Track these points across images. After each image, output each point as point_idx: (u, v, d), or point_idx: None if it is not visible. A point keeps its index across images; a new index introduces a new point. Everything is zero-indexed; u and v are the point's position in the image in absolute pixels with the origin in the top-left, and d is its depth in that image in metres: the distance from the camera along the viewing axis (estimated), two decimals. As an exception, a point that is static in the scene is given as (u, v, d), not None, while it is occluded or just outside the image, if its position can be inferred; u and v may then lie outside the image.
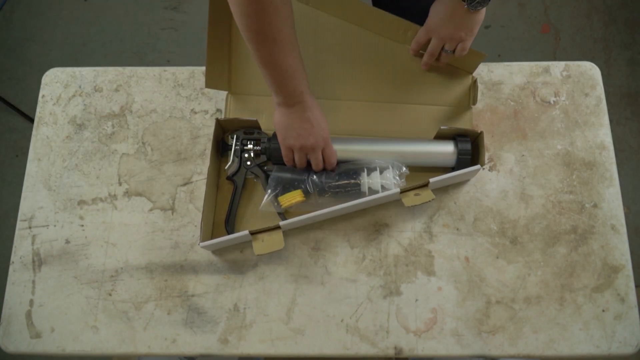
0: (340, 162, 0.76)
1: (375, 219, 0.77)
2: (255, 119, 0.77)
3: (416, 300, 0.73)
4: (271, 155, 0.76)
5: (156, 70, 0.87)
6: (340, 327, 0.73)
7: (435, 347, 0.71)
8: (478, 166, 0.73)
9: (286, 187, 0.74)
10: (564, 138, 0.80)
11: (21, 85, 1.78)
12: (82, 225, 0.79)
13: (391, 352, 0.71)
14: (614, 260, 0.74)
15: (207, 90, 0.85)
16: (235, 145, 0.77)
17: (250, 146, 0.77)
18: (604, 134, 0.81)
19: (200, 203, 0.79)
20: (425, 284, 0.74)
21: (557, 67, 0.85)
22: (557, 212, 0.77)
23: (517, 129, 0.81)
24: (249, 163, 0.78)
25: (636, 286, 0.74)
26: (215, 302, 0.74)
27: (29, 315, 0.75)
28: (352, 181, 0.74)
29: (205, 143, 0.82)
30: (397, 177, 0.74)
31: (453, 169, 0.76)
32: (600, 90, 0.83)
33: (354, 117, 0.81)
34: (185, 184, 0.80)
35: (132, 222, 0.79)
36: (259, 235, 0.71)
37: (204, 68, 0.86)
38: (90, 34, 1.83)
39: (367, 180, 0.73)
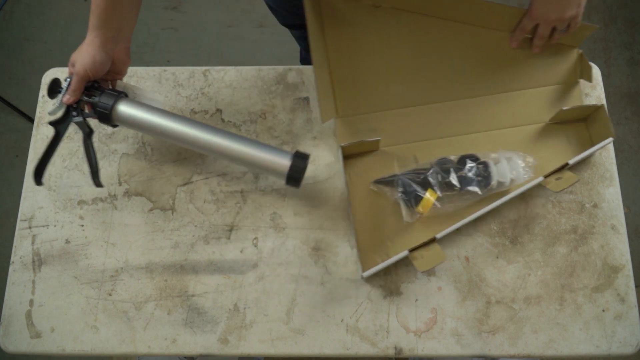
0: (443, 159, 0.74)
1: (375, 219, 0.77)
2: (378, 138, 0.76)
3: (416, 300, 0.73)
4: (97, 111, 0.69)
5: (156, 70, 0.87)
6: (340, 327, 0.73)
7: (435, 347, 0.71)
8: (611, 139, 0.73)
9: (416, 191, 0.71)
10: (564, 138, 0.80)
11: (21, 85, 1.78)
12: (82, 225, 0.79)
13: (391, 352, 0.71)
14: (614, 260, 0.74)
15: (207, 90, 0.85)
16: (66, 90, 0.68)
17: (84, 97, 0.69)
18: (604, 134, 0.80)
19: (200, 203, 0.79)
20: (425, 284, 0.74)
21: (557, 67, 0.84)
22: (557, 212, 0.77)
23: (517, 129, 0.81)
24: (74, 114, 0.69)
25: (636, 286, 0.74)
26: (215, 302, 0.74)
27: (29, 315, 0.75)
28: (481, 176, 0.71)
29: (205, 143, 0.82)
30: (526, 168, 0.72)
31: (285, 183, 0.70)
32: (600, 90, 0.83)
33: (463, 116, 0.80)
34: (185, 184, 0.80)
35: (132, 222, 0.79)
36: (416, 253, 0.69)
37: (204, 68, 0.86)
38: (90, 34, 1.83)
39: (497, 173, 0.71)
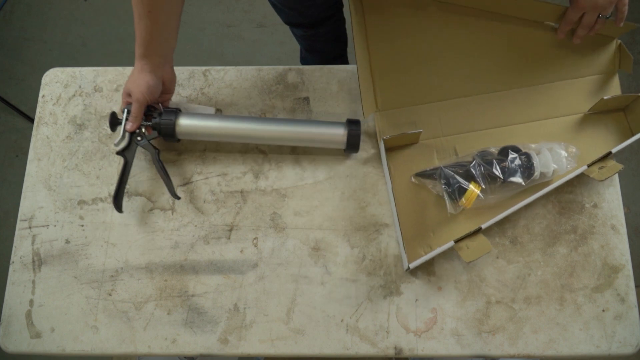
0: (483, 151, 0.74)
1: (375, 219, 0.77)
2: (420, 130, 0.76)
3: (416, 300, 0.73)
4: (161, 130, 0.75)
5: (156, 70, 0.87)
6: (340, 327, 0.72)
7: (435, 347, 0.71)
8: None
9: (460, 184, 0.71)
10: (564, 138, 0.80)
11: (21, 85, 1.78)
12: (82, 225, 0.79)
13: (391, 352, 0.71)
14: (614, 260, 0.74)
15: (207, 90, 0.85)
16: (126, 119, 0.75)
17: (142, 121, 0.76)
18: (604, 134, 0.80)
19: (200, 203, 0.79)
20: (425, 283, 0.74)
21: (557, 67, 0.84)
22: (557, 212, 0.77)
23: (517, 129, 0.81)
24: (139, 138, 0.76)
25: (636, 286, 0.74)
26: (215, 302, 0.74)
27: (29, 315, 0.75)
28: (523, 166, 0.71)
29: (205, 143, 0.82)
30: (569, 157, 0.72)
31: (344, 150, 0.78)
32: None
33: (502, 108, 0.80)
34: (185, 184, 0.80)
35: (132, 222, 0.79)
36: (461, 244, 0.69)
37: (204, 68, 0.86)
38: (90, 34, 1.83)
39: (540, 163, 0.71)
